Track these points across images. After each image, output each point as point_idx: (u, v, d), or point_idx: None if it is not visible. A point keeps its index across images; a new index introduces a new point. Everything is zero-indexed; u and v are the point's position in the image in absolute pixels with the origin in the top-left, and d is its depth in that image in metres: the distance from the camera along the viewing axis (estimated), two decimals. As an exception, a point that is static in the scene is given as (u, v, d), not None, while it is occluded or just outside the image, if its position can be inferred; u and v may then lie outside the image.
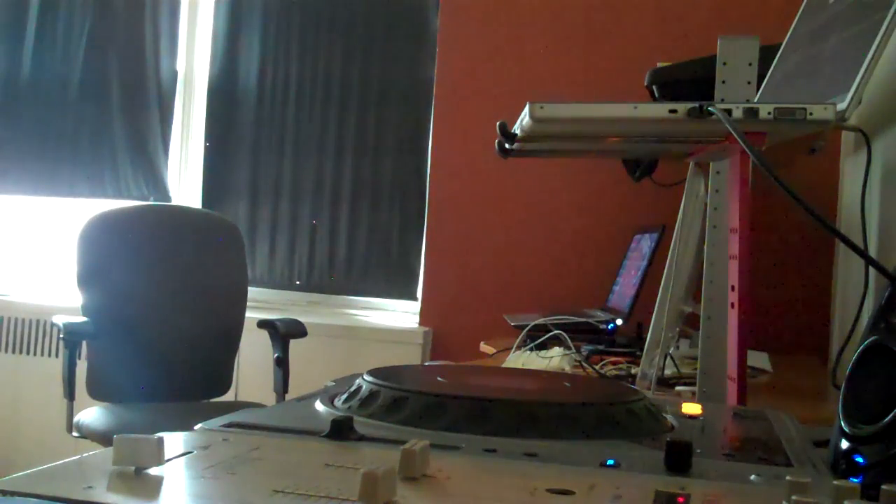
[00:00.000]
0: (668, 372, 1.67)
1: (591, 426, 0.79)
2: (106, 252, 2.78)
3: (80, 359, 2.60)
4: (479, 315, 3.09)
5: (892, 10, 1.28)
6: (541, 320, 2.23)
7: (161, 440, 0.61)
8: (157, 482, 0.58)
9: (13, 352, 3.53)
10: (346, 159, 3.54)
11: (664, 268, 1.58)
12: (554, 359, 1.85)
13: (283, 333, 2.77)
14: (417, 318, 3.28)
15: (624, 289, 2.58)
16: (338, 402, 0.88)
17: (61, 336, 2.57)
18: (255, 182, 3.64)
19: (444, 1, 3.24)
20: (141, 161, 3.69)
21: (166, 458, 0.63)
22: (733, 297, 1.21)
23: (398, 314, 3.46)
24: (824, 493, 0.56)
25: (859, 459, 0.72)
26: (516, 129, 1.27)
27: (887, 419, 0.70)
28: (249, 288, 3.01)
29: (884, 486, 0.55)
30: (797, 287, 2.75)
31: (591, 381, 1.27)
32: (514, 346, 2.08)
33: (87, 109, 3.66)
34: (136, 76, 3.67)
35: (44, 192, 3.68)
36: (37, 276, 3.74)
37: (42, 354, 3.51)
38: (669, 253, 1.57)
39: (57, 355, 3.45)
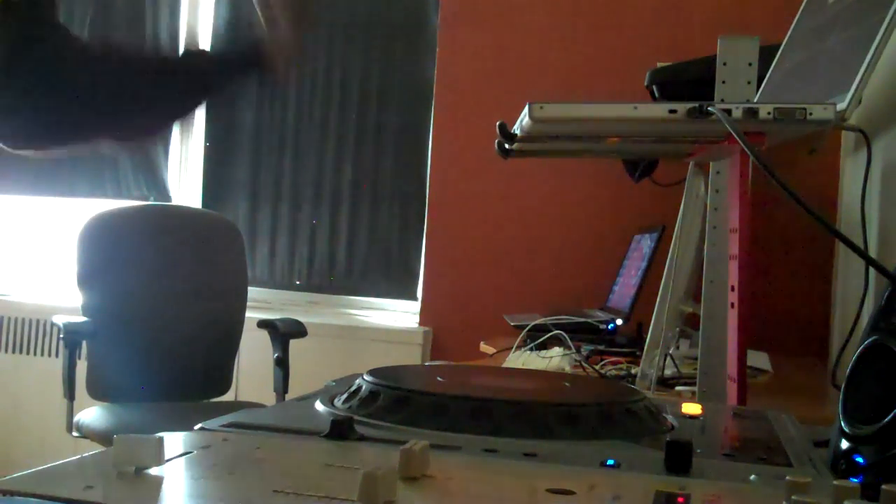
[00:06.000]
0: (668, 372, 1.67)
1: (591, 426, 0.79)
2: (106, 252, 2.78)
3: (80, 359, 2.60)
4: (479, 315, 3.09)
5: (892, 11, 1.28)
6: (541, 320, 2.23)
7: (161, 440, 0.61)
8: (157, 482, 0.58)
9: (13, 352, 3.53)
10: (346, 159, 3.54)
11: (664, 268, 1.59)
12: (554, 359, 1.85)
13: (283, 333, 2.77)
14: (417, 318, 3.27)
15: (624, 289, 2.58)
16: (338, 402, 0.88)
17: (61, 336, 2.57)
18: (255, 182, 3.64)
19: (444, 1, 3.24)
20: (141, 161, 3.69)
21: (166, 458, 0.62)
22: (733, 297, 1.21)
23: (398, 314, 3.46)
24: (824, 493, 0.56)
25: (859, 459, 0.72)
26: (516, 129, 1.27)
27: (887, 419, 0.70)
28: (249, 288, 3.01)
29: (884, 486, 0.55)
30: (797, 287, 2.75)
31: (591, 381, 1.28)
32: (514, 346, 2.08)
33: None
34: (136, 76, 3.67)
35: (44, 192, 3.68)
36: (37, 276, 3.74)
37: (42, 354, 3.51)
38: (669, 253, 1.57)
39: (57, 355, 3.45)
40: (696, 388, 1.48)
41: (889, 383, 0.73)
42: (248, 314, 2.95)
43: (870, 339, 0.77)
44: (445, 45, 3.22)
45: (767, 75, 1.73)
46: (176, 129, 3.78)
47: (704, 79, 1.53)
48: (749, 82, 1.46)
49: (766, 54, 1.60)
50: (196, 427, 0.75)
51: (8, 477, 0.56)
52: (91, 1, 3.66)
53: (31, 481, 0.56)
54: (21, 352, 3.53)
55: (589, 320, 2.34)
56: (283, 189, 3.61)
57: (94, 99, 1.20)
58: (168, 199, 3.73)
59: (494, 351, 2.33)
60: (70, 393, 2.57)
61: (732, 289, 1.21)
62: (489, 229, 3.14)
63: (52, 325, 2.91)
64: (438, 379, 0.93)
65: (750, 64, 1.46)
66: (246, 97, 3.65)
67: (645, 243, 2.55)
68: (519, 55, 3.12)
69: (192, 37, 3.76)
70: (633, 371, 1.71)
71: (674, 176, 2.49)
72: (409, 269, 3.46)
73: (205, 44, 3.74)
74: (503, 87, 3.11)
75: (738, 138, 1.05)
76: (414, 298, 3.43)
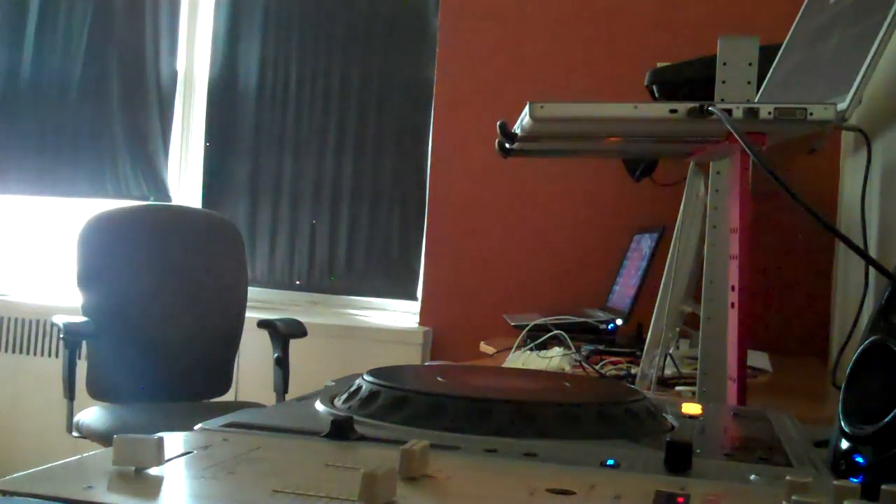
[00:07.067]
0: (668, 372, 1.67)
1: (591, 426, 0.79)
2: (106, 252, 2.78)
3: (80, 359, 2.60)
4: (479, 315, 3.09)
5: (892, 11, 1.28)
6: (541, 320, 2.23)
7: (161, 440, 0.61)
8: (157, 482, 0.58)
9: (13, 352, 3.53)
10: (346, 159, 3.54)
11: (664, 268, 1.59)
12: (554, 359, 1.85)
13: (283, 333, 2.77)
14: (417, 318, 3.27)
15: (624, 289, 2.58)
16: (338, 402, 0.88)
17: (61, 336, 2.57)
18: (255, 182, 3.64)
19: (444, 1, 3.24)
20: (141, 161, 3.69)
21: (166, 458, 0.63)
22: (733, 297, 1.21)
23: (398, 314, 3.46)
24: (824, 493, 0.56)
25: (859, 459, 0.72)
26: (516, 129, 1.27)
27: (887, 419, 0.70)
28: (249, 288, 3.01)
29: (884, 486, 0.55)
30: (797, 287, 2.75)
31: (591, 381, 1.28)
32: (514, 346, 2.08)
33: (87, 109, 3.66)
34: (136, 76, 3.67)
35: (44, 192, 3.68)
36: (37, 276, 3.74)
37: (42, 354, 3.51)
38: (669, 253, 1.57)
39: (57, 355, 3.45)
40: (696, 388, 1.48)
41: (889, 383, 0.72)
42: (248, 314, 2.95)
43: (870, 339, 0.77)
44: (445, 45, 3.22)
45: (768, 75, 1.73)
46: (176, 129, 3.78)
47: (704, 79, 1.53)
48: (749, 82, 1.46)
49: (767, 54, 1.60)
50: (196, 427, 0.75)
51: (8, 477, 0.56)
52: (89, 16, 3.65)
53: (31, 481, 0.56)
54: (21, 352, 3.53)
55: (589, 320, 2.34)
56: (283, 189, 3.60)
57: None
58: (168, 199, 3.73)
59: (494, 351, 2.33)
60: (70, 393, 2.57)
61: (732, 289, 1.21)
62: (489, 229, 3.14)
63: (52, 325, 2.90)
64: (438, 379, 0.93)
65: (750, 64, 1.46)
66: (246, 97, 3.65)
67: (645, 243, 2.55)
68: (519, 55, 3.12)
69: (190, 51, 3.76)
70: (633, 371, 1.71)
71: (674, 176, 2.50)
72: (409, 269, 3.46)
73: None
74: (503, 86, 3.11)
75: (738, 138, 1.05)
76: (414, 298, 3.43)
